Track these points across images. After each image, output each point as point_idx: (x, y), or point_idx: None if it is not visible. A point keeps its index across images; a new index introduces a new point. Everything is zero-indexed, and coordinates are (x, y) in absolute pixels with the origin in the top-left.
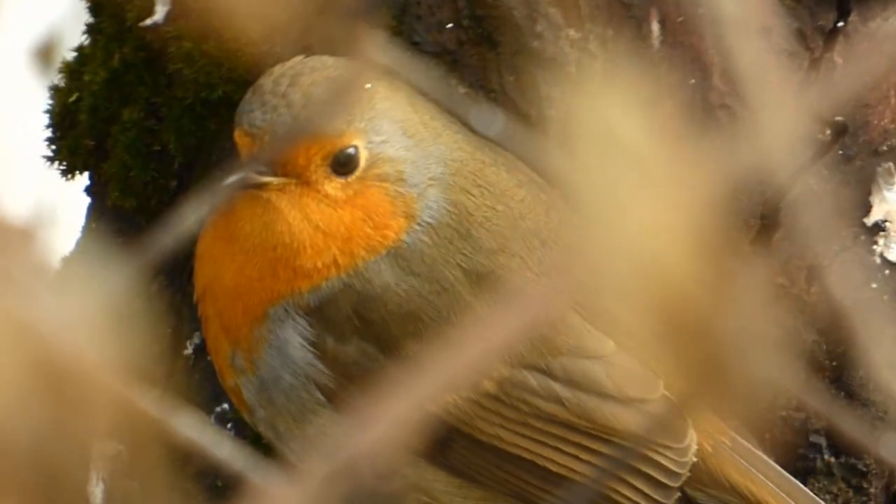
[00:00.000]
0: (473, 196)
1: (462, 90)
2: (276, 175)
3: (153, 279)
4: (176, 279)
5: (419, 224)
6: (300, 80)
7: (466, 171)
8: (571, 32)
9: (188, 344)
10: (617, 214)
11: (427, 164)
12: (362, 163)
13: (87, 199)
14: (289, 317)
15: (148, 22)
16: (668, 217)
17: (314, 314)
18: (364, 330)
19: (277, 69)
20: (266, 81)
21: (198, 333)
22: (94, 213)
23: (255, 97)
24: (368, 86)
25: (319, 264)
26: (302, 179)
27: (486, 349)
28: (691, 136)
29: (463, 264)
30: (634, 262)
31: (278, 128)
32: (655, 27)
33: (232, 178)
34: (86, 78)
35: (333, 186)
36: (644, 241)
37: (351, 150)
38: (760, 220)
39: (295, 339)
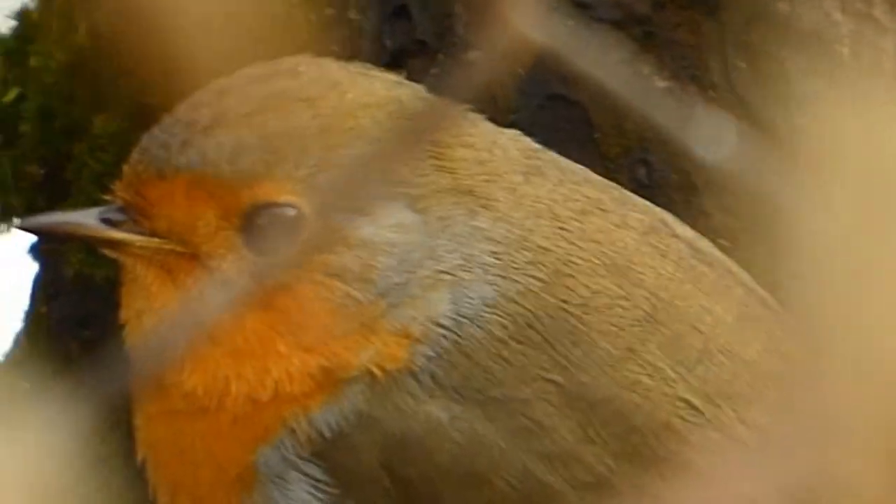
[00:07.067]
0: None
1: (661, 84)
2: (144, 233)
3: (115, 425)
4: None
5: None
6: (238, 93)
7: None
8: None
9: None
10: (870, 319)
11: (449, 249)
12: (305, 236)
13: (35, 267)
14: (289, 466)
15: None
16: None
17: (328, 457)
18: (400, 498)
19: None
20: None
21: None
22: (46, 289)
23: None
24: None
25: (201, 389)
26: (190, 247)
27: None
28: None
29: (559, 378)
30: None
31: (160, 156)
32: None
33: (51, 218)
34: None
35: (239, 265)
36: None
37: (286, 211)
38: None
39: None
